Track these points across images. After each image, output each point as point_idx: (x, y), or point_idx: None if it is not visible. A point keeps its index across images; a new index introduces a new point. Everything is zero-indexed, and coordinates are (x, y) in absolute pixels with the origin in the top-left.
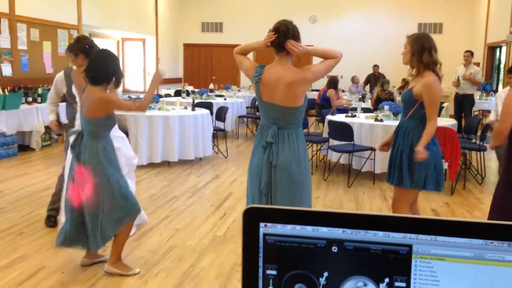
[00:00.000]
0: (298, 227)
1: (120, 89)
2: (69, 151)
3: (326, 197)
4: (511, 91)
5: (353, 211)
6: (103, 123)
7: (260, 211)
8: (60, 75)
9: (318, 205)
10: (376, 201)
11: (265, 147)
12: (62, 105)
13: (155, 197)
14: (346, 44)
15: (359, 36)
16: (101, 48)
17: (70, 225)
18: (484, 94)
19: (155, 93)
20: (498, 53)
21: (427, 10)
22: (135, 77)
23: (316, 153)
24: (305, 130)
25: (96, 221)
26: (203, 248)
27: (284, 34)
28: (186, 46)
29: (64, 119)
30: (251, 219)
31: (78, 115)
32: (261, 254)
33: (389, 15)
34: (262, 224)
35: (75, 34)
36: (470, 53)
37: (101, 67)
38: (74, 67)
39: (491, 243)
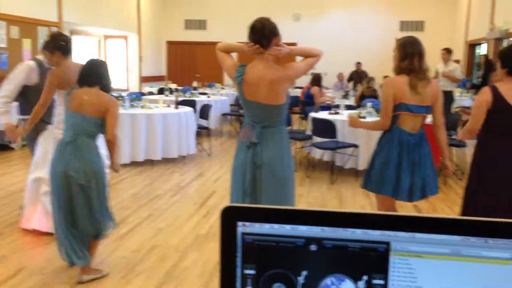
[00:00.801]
0: (276, 226)
1: None
2: (40, 148)
3: (309, 194)
4: (483, 89)
5: (332, 209)
6: (102, 124)
7: (238, 210)
8: (31, 64)
9: (301, 202)
10: (359, 197)
11: (249, 146)
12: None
13: (137, 196)
14: (329, 42)
15: (342, 33)
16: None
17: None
18: (465, 91)
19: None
20: (478, 50)
21: (409, 8)
22: (117, 74)
23: (300, 150)
24: (289, 128)
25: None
26: (186, 247)
27: (260, 32)
28: (169, 43)
29: (13, 119)
30: (229, 218)
31: (56, 112)
32: (239, 254)
33: (371, 13)
34: (240, 223)
35: (60, 32)
36: (446, 51)
37: (94, 71)
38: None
39: (468, 239)
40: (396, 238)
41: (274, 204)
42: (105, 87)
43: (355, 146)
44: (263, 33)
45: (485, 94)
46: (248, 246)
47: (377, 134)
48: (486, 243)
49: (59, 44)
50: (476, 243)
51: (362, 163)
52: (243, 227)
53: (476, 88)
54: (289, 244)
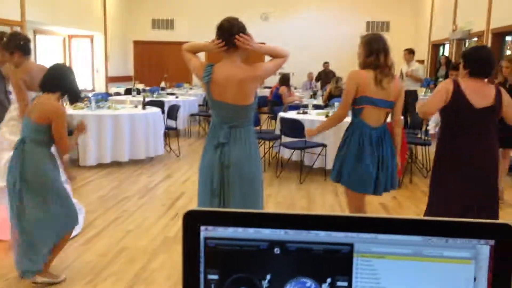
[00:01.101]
0: (240, 229)
1: None
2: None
3: (278, 194)
4: (448, 79)
5: (295, 211)
6: (47, 131)
7: (200, 214)
8: None
9: (270, 202)
10: (328, 197)
11: (216, 146)
12: None
13: (104, 198)
14: (297, 41)
15: (310, 33)
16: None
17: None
18: (429, 90)
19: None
20: (441, 51)
21: (375, 9)
22: (83, 75)
23: (269, 150)
24: (258, 128)
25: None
26: (154, 249)
27: (228, 31)
28: (136, 43)
29: None
30: (191, 222)
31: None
32: (202, 259)
33: (338, 13)
34: (202, 228)
35: (18, 31)
36: (408, 51)
37: (57, 76)
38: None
39: (429, 239)
40: (359, 240)
41: (243, 205)
42: (70, 94)
43: (324, 145)
44: (231, 32)
45: (448, 83)
46: (211, 251)
47: None
48: (447, 243)
49: (18, 45)
50: (437, 243)
51: (331, 163)
52: (206, 231)
53: None
54: (253, 248)
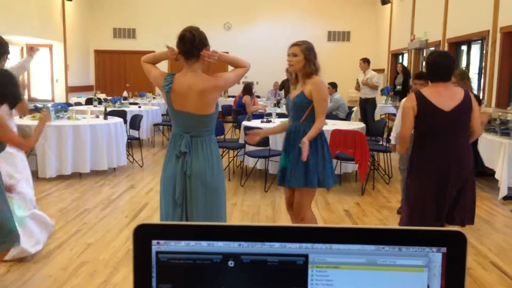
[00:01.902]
0: (192, 242)
1: (26, 96)
2: None
3: (243, 203)
4: (409, 96)
5: (249, 223)
6: None
7: (152, 228)
8: None
9: (235, 211)
10: None
11: (178, 156)
12: None
13: (65, 211)
14: (260, 50)
15: (272, 42)
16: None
17: None
18: (389, 98)
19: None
20: (401, 60)
21: (336, 19)
22: (42, 85)
23: (233, 159)
24: (222, 137)
25: None
26: (116, 262)
27: (190, 42)
28: (97, 52)
29: None
30: (143, 237)
31: None
32: (154, 274)
33: (300, 23)
34: (154, 242)
35: None
36: (363, 60)
37: None
38: None
39: (383, 248)
40: (314, 250)
41: (206, 215)
42: (6, 100)
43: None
44: (193, 44)
45: (411, 100)
46: (164, 265)
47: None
48: (400, 251)
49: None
50: (390, 252)
51: None
52: (158, 246)
53: (397, 95)
54: (206, 261)
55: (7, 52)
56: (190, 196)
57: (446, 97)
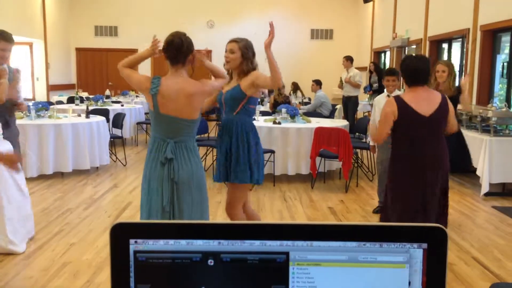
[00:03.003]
0: (171, 241)
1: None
2: None
3: None
4: (389, 100)
5: (228, 221)
6: None
7: (129, 226)
8: None
9: (220, 209)
10: (276, 202)
11: (163, 163)
12: None
13: (46, 211)
14: None
15: (256, 41)
16: None
17: None
18: (370, 97)
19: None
20: (383, 58)
21: (318, 17)
22: (23, 83)
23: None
24: (206, 135)
25: None
26: (100, 262)
27: (178, 48)
28: (79, 50)
29: None
30: (120, 236)
31: None
32: (132, 274)
33: (283, 22)
34: (132, 241)
35: None
36: (346, 58)
37: None
38: None
39: (364, 244)
40: (295, 248)
41: (191, 214)
42: None
43: (272, 152)
44: (181, 50)
45: (392, 105)
46: (142, 265)
47: (293, 138)
48: (381, 248)
49: None
50: (371, 248)
51: (279, 169)
52: (136, 245)
53: (376, 92)
54: (185, 260)
55: None
56: (177, 202)
57: (425, 101)
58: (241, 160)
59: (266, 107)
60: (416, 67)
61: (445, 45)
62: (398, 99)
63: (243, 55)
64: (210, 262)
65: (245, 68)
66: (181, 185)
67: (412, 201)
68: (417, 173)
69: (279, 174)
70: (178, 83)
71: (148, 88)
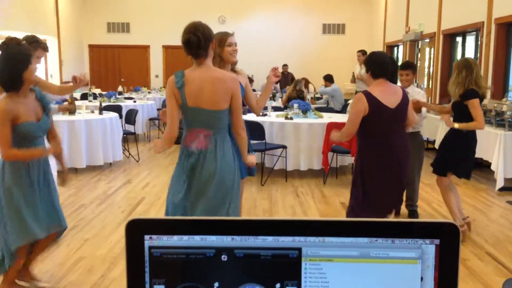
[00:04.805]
0: (185, 237)
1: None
2: None
3: None
4: (358, 97)
5: (241, 217)
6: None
7: (143, 222)
8: None
9: None
10: (288, 198)
11: (197, 154)
12: None
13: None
14: (255, 44)
15: (268, 36)
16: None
17: None
18: None
19: None
20: (396, 52)
21: (330, 12)
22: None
23: None
24: None
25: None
26: (114, 257)
27: (197, 45)
28: (92, 47)
29: None
30: (135, 232)
31: None
32: (147, 269)
33: (295, 16)
34: (146, 237)
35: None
36: (361, 53)
37: None
38: None
39: (376, 240)
40: (307, 244)
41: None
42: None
43: (284, 147)
44: (200, 46)
45: (362, 102)
46: (157, 261)
47: (306, 134)
48: (393, 244)
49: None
50: (383, 244)
51: (291, 164)
52: (151, 241)
53: None
54: (199, 256)
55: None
56: (204, 195)
57: (390, 94)
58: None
59: (278, 103)
60: (383, 61)
61: (459, 39)
62: (368, 95)
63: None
64: (224, 257)
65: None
66: (203, 181)
67: (390, 192)
68: (389, 165)
69: (291, 169)
70: (203, 72)
71: (173, 83)
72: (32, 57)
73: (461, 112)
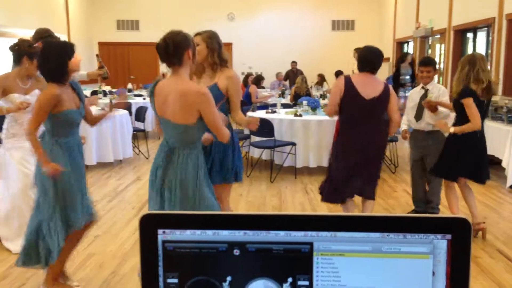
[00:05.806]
0: (198, 231)
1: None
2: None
3: (249, 194)
4: (339, 78)
5: (254, 212)
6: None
7: (157, 217)
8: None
9: (241, 202)
10: (298, 195)
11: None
12: None
13: None
14: (264, 41)
15: (277, 33)
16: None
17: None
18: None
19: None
20: (406, 48)
21: (340, 8)
22: None
23: None
24: None
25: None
26: (124, 254)
27: (164, 51)
28: (101, 44)
29: None
30: (148, 226)
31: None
32: (160, 263)
33: (304, 13)
34: (160, 231)
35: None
36: (356, 51)
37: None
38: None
39: (387, 235)
40: (319, 238)
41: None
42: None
43: (293, 144)
44: (167, 52)
45: (340, 83)
46: (170, 254)
47: (315, 131)
48: (404, 238)
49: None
50: (395, 239)
51: (300, 161)
52: (164, 235)
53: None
54: (212, 250)
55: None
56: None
57: (368, 86)
58: (225, 164)
59: (287, 100)
60: (372, 57)
61: (470, 35)
62: (347, 79)
63: (208, 46)
64: (236, 252)
65: (211, 60)
66: (167, 186)
67: (348, 180)
68: (352, 154)
69: (301, 166)
70: (172, 83)
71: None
72: (75, 47)
73: (460, 111)
